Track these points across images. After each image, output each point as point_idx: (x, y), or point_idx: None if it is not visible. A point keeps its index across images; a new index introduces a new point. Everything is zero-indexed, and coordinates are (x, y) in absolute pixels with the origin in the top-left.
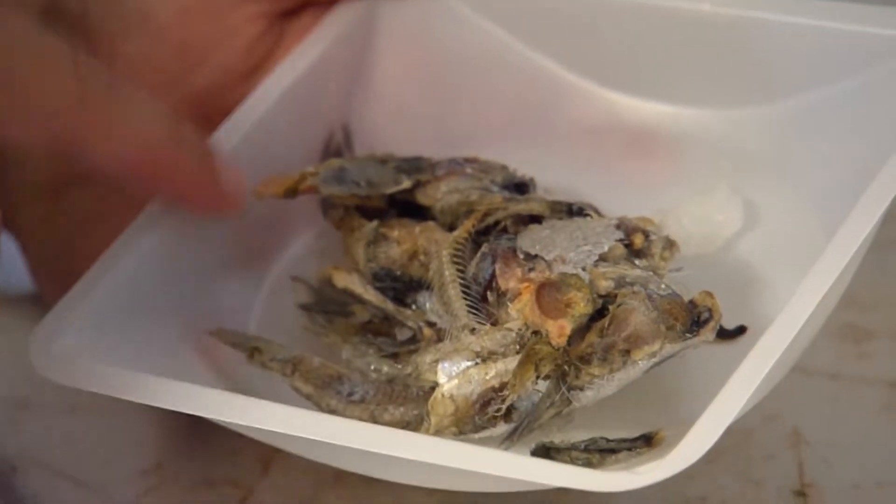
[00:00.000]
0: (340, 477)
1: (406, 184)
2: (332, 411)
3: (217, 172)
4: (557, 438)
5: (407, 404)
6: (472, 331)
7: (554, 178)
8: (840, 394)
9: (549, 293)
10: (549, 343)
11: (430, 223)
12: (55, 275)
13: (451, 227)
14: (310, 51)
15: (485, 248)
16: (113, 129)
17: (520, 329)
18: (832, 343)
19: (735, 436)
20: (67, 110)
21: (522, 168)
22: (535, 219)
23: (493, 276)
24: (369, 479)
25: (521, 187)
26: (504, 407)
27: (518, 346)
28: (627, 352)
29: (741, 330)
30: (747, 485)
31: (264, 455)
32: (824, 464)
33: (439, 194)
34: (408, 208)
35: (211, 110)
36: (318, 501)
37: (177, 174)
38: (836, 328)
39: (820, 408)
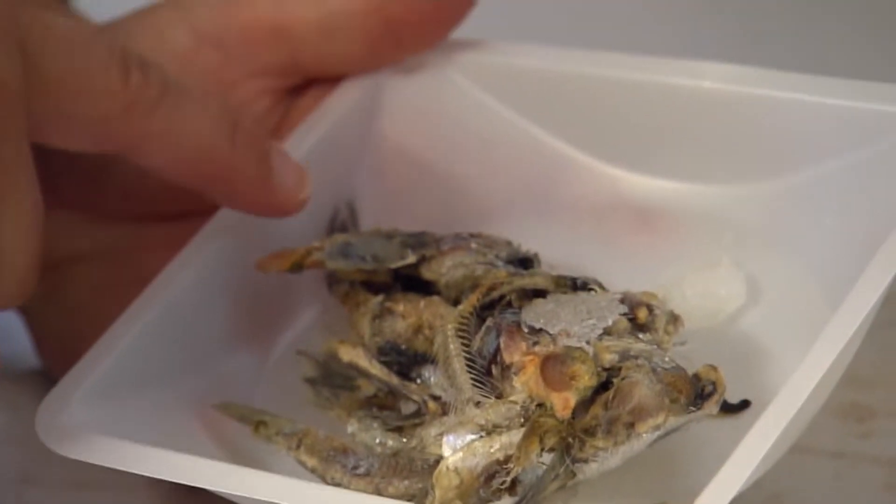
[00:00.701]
0: None
1: (411, 258)
2: (337, 484)
3: (275, 172)
4: None
5: (412, 477)
6: (477, 404)
7: (558, 253)
8: (843, 473)
9: (553, 366)
10: (554, 416)
11: (435, 298)
12: (60, 349)
13: (455, 302)
14: (315, 127)
15: (489, 322)
16: (163, 134)
17: (524, 402)
18: (834, 422)
19: None
20: (115, 116)
21: (526, 243)
22: (540, 293)
23: (497, 349)
24: None
25: (525, 262)
26: (509, 480)
27: (522, 419)
28: (632, 424)
29: (745, 404)
30: None
31: None
32: None
33: (444, 269)
34: (412, 283)
35: None
36: None
37: (233, 176)
38: (838, 407)
39: (823, 487)
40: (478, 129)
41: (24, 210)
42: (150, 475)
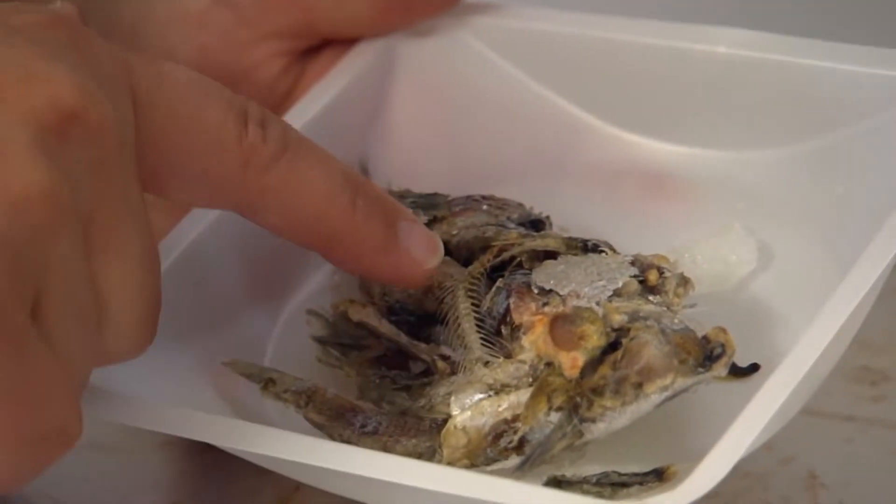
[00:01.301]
0: None
1: (423, 219)
2: (346, 442)
3: (401, 239)
4: (569, 472)
5: (419, 436)
6: (486, 364)
7: (569, 216)
8: (855, 436)
9: (562, 325)
10: (562, 375)
11: (446, 258)
12: None
13: (466, 263)
14: (329, 88)
15: (500, 283)
16: (280, 194)
17: (533, 361)
18: (847, 386)
19: (751, 479)
20: (230, 173)
21: (538, 206)
22: (551, 255)
23: (507, 310)
24: None
25: (536, 224)
26: (516, 439)
27: (531, 379)
28: (640, 385)
29: (754, 368)
30: None
31: (282, 495)
32: None
33: (455, 230)
34: None
35: None
36: None
37: (353, 240)
38: (850, 371)
39: (836, 450)
40: (491, 92)
41: (131, 258)
42: (161, 431)
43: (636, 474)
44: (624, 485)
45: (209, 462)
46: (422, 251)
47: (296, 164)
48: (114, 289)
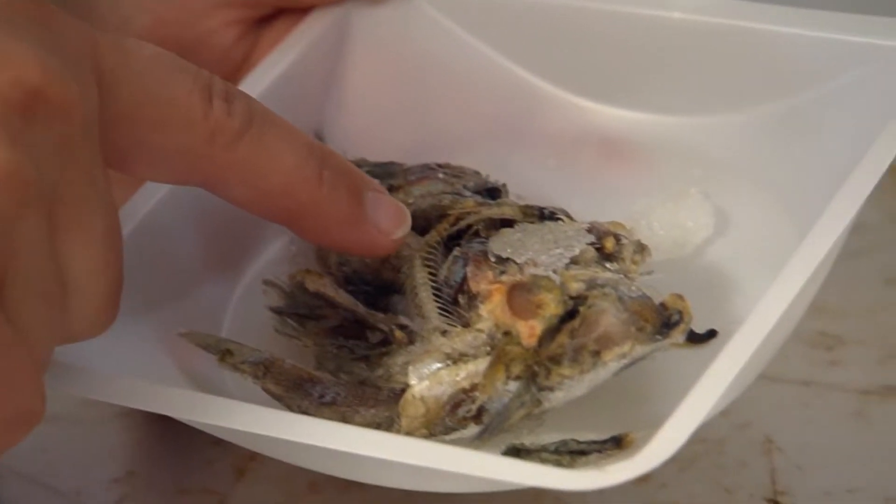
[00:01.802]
0: (315, 485)
1: None
2: (304, 413)
3: (367, 210)
4: (528, 440)
5: (378, 406)
6: (444, 333)
7: (526, 184)
8: (812, 401)
9: (519, 294)
10: (520, 344)
11: None
12: None
13: (423, 231)
14: (284, 57)
15: (456, 251)
16: (246, 168)
17: (490, 330)
18: (804, 351)
19: (707, 444)
20: (197, 147)
21: (494, 174)
22: (507, 223)
23: (464, 278)
24: (343, 487)
25: (493, 192)
26: (475, 408)
27: (489, 348)
28: (597, 353)
29: (712, 334)
30: (720, 492)
31: (238, 463)
32: (797, 470)
33: (411, 199)
34: None
35: None
36: None
37: (320, 213)
38: (807, 336)
39: (792, 415)
40: (446, 60)
41: (95, 237)
42: (118, 403)
43: (595, 442)
44: (583, 452)
45: (165, 432)
46: (389, 221)
47: (261, 137)
48: (78, 268)
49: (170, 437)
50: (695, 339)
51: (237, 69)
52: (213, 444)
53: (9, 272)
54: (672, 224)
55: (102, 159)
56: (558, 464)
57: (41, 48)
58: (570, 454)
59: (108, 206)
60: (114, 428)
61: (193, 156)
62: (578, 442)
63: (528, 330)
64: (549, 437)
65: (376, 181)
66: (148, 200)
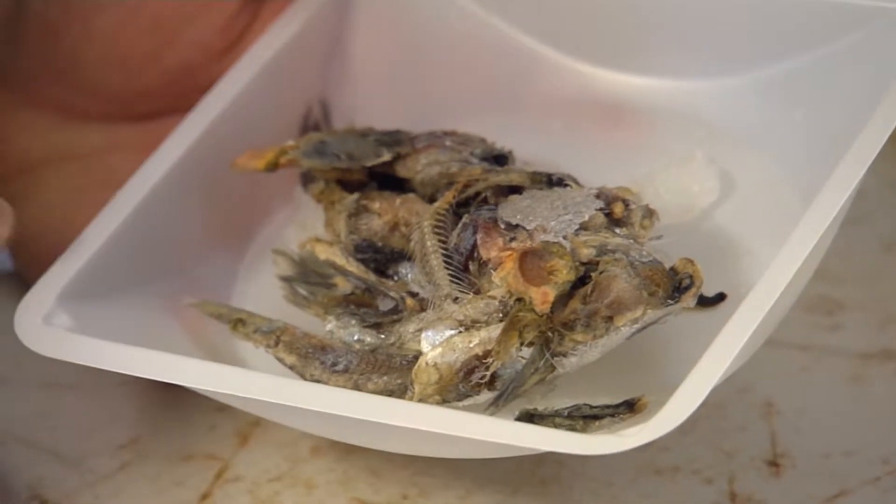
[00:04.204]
0: (317, 449)
1: (386, 156)
2: (317, 381)
3: None
4: (541, 406)
5: (390, 373)
6: (455, 300)
7: (530, 150)
8: (811, 365)
9: (532, 261)
10: (533, 310)
11: (411, 195)
12: (35, 252)
13: (431, 199)
14: (287, 26)
15: (466, 218)
16: None
17: (503, 297)
18: (803, 315)
19: (708, 408)
20: None
21: (499, 141)
22: (516, 190)
23: (474, 245)
24: (345, 452)
25: (500, 159)
26: (488, 374)
27: (501, 315)
28: (610, 318)
29: (720, 297)
30: (720, 455)
31: (242, 429)
32: (796, 434)
33: (419, 166)
34: (388, 181)
35: (186, 88)
36: (295, 474)
37: None
38: (807, 300)
39: (791, 379)
40: (448, 27)
41: None
42: (130, 373)
43: (608, 406)
44: (596, 417)
45: (169, 398)
46: None
47: None
48: None
49: (173, 403)
50: (704, 302)
51: (237, 41)
52: (216, 410)
53: None
54: (678, 188)
55: None
56: (572, 428)
57: None
58: (583, 419)
59: None
60: (117, 394)
61: None
62: (591, 406)
63: (541, 296)
64: (562, 402)
65: None
66: (154, 172)
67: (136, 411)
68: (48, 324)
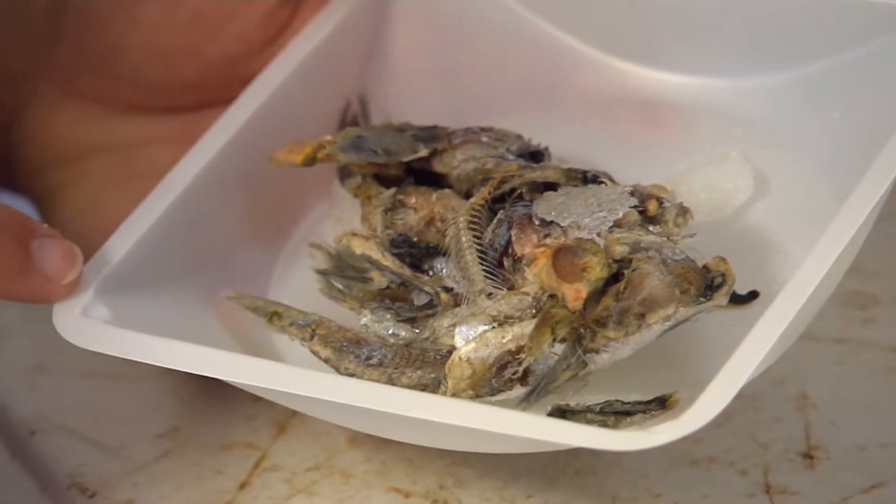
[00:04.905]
0: (354, 440)
1: (423, 151)
2: (351, 375)
3: (34, 259)
4: (572, 401)
5: (424, 368)
6: (489, 295)
7: (565, 147)
8: (846, 358)
9: (565, 257)
10: (566, 307)
11: (447, 191)
12: (75, 242)
13: (467, 195)
14: (327, 21)
15: (501, 214)
16: None
17: (536, 293)
18: (838, 309)
19: (743, 400)
20: None
21: (535, 137)
22: (551, 186)
23: (508, 241)
24: (382, 443)
25: (535, 156)
26: (521, 370)
27: (534, 311)
28: (643, 315)
29: (753, 295)
30: (755, 447)
31: (279, 419)
32: (830, 426)
33: (455, 162)
34: (424, 176)
35: (227, 80)
36: (332, 464)
37: None
38: (841, 295)
39: (826, 372)
40: (487, 23)
41: None
42: (168, 366)
43: (639, 402)
44: (628, 413)
45: (207, 388)
46: (57, 266)
47: None
48: None
49: (212, 393)
50: (736, 300)
51: (278, 33)
52: (254, 400)
53: None
54: (712, 187)
55: None
56: (603, 424)
57: None
58: (615, 415)
59: None
60: (157, 384)
61: None
62: (623, 402)
63: (574, 293)
64: (594, 398)
65: (43, 226)
66: (193, 166)
67: (175, 401)
68: (87, 316)
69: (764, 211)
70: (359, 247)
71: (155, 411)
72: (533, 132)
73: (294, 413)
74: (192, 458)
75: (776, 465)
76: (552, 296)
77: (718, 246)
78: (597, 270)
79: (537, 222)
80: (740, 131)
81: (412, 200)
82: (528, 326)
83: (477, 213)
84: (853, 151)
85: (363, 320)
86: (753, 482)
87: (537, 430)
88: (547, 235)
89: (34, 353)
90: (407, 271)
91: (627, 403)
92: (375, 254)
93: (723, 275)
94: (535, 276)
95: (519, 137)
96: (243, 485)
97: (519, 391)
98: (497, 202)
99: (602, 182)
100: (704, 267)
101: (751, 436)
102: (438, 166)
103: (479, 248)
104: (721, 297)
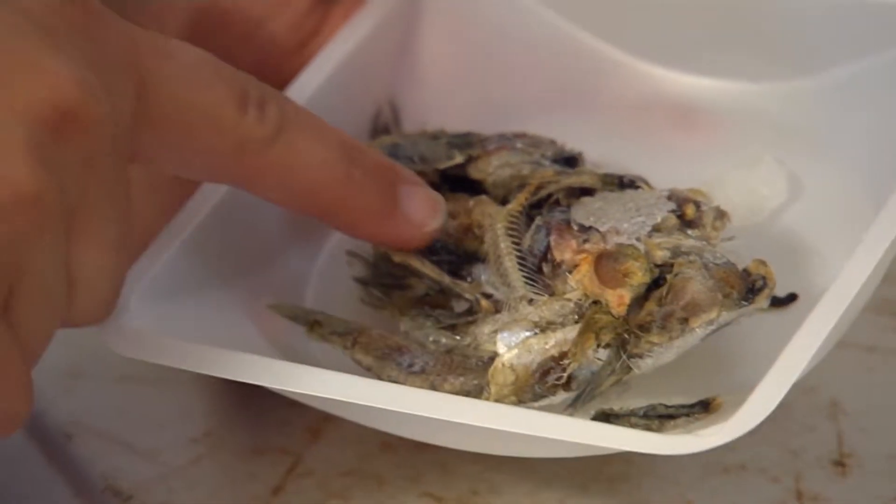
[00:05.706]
0: (388, 444)
1: (459, 158)
2: (393, 382)
3: (401, 203)
4: (616, 406)
5: (466, 374)
6: (530, 301)
7: (599, 151)
8: (877, 366)
9: (607, 263)
10: (609, 312)
11: (484, 197)
12: None
13: (503, 201)
14: (358, 27)
15: (539, 220)
16: (277, 171)
17: (578, 299)
18: (869, 317)
19: (775, 408)
20: (228, 153)
21: (568, 142)
22: (587, 191)
23: (548, 247)
24: (416, 447)
25: (570, 161)
26: (565, 376)
27: (576, 316)
28: (686, 320)
29: (792, 298)
30: (786, 454)
31: (313, 424)
32: (862, 434)
33: (491, 168)
34: (460, 183)
35: None
36: (366, 468)
37: (351, 208)
38: (873, 302)
39: (858, 380)
40: (518, 28)
41: (108, 244)
42: (209, 374)
43: (683, 406)
44: (671, 417)
45: (241, 393)
46: (422, 214)
47: (292, 142)
48: (86, 273)
49: (246, 398)
50: (777, 303)
51: (309, 39)
52: (288, 405)
53: (18, 286)
54: (746, 191)
55: (127, 167)
56: (647, 428)
57: (79, 62)
58: (658, 418)
59: (124, 214)
60: (191, 388)
61: (223, 161)
62: (667, 406)
63: (618, 299)
64: (637, 402)
65: (412, 173)
66: None
67: (210, 406)
68: (127, 324)
69: (798, 214)
70: (397, 254)
71: (189, 416)
72: (565, 137)
73: (327, 418)
74: (227, 463)
75: (808, 473)
76: (595, 302)
77: (754, 249)
78: (639, 276)
79: (576, 228)
80: (773, 135)
81: (449, 207)
82: (571, 332)
83: (515, 220)
84: (886, 154)
85: (403, 328)
86: (785, 489)
87: (586, 434)
88: (586, 241)
89: (70, 358)
90: (446, 278)
91: (671, 407)
92: (414, 261)
93: (763, 278)
94: (578, 282)
95: (553, 143)
96: (277, 490)
97: (562, 397)
98: (534, 208)
99: (638, 187)
100: (745, 270)
101: (782, 443)
102: (474, 173)
103: (518, 254)
104: (762, 301)
